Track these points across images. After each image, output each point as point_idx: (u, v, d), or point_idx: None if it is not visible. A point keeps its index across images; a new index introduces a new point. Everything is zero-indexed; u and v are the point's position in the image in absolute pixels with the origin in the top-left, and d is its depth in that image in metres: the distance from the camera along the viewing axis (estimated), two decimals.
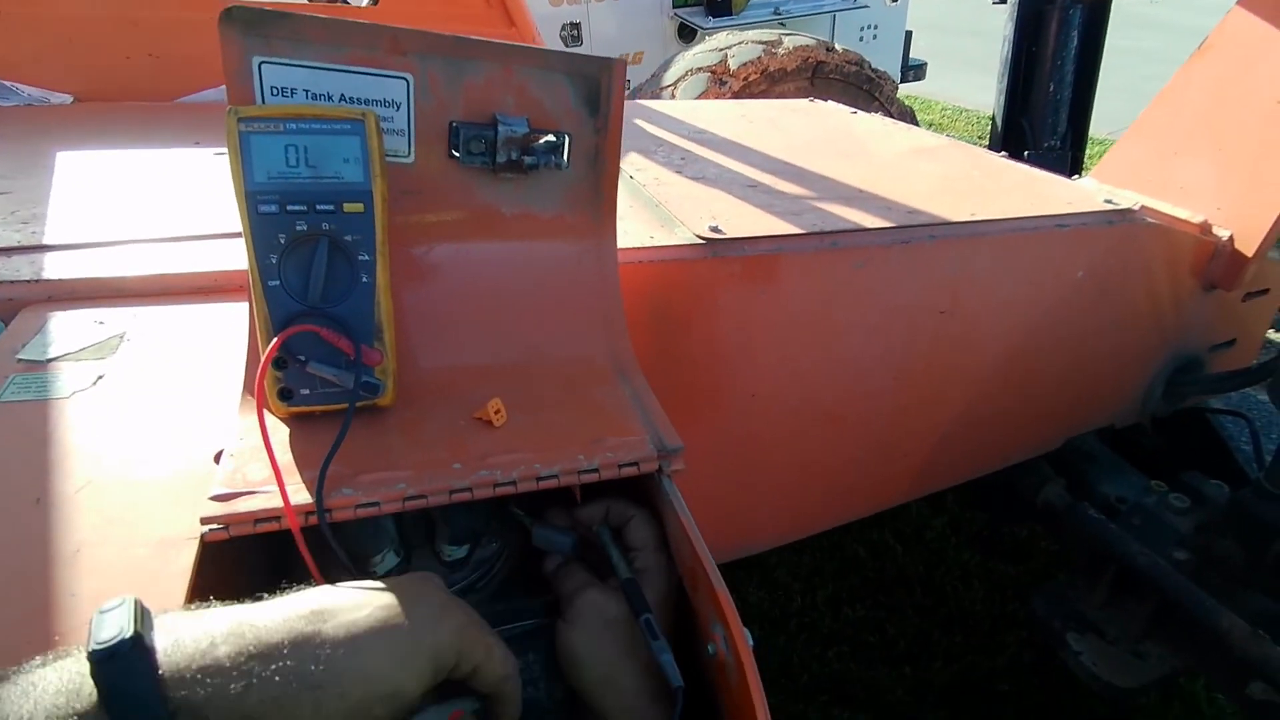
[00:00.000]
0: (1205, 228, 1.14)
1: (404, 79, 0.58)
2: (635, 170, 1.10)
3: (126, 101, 1.31)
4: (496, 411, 0.58)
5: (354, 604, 0.41)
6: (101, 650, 0.33)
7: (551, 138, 0.62)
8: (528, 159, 0.60)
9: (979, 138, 4.62)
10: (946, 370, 1.07)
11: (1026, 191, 1.12)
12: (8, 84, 1.22)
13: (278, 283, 0.54)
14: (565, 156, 0.64)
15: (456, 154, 0.61)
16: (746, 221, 0.93)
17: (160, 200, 0.91)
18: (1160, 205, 1.15)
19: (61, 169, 0.97)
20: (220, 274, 0.74)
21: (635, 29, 3.40)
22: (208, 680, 0.34)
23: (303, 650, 0.37)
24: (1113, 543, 1.23)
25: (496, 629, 0.55)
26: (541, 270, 0.66)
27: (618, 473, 0.55)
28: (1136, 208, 1.09)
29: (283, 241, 0.54)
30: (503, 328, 0.65)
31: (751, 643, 0.48)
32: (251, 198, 0.53)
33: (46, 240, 0.76)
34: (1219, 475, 1.33)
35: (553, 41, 3.31)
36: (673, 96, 2.23)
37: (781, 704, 1.70)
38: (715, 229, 0.88)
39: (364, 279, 0.55)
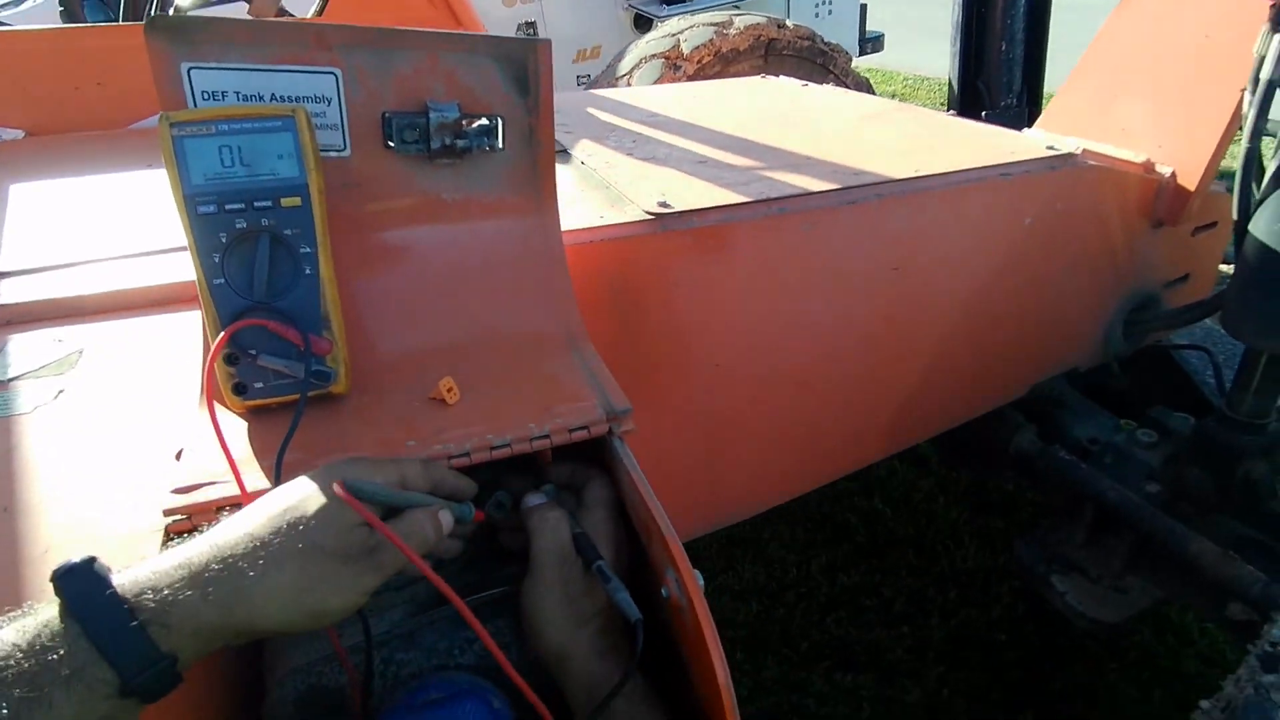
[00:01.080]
0: (1148, 166, 1.17)
1: (332, 73, 0.60)
2: (586, 156, 1.11)
3: (79, 132, 1.32)
4: (449, 390, 0.59)
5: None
6: (61, 568, 0.39)
7: (485, 121, 0.64)
8: (460, 143, 0.62)
9: (941, 104, 4.65)
10: (906, 326, 1.09)
11: (970, 145, 1.15)
12: None
13: (222, 281, 0.56)
14: (500, 139, 0.65)
15: (392, 144, 0.63)
16: (695, 195, 0.94)
17: (115, 221, 0.92)
18: (1103, 148, 1.17)
19: (15, 200, 0.98)
20: (176, 285, 0.75)
21: (591, 23, 3.40)
22: (161, 587, 0.40)
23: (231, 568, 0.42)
24: (1084, 482, 1.26)
25: (467, 598, 0.57)
26: (488, 250, 0.68)
27: (568, 437, 0.56)
28: (1078, 152, 1.11)
29: (224, 240, 0.55)
30: (456, 309, 0.67)
31: (702, 583, 0.50)
32: (190, 200, 0.55)
33: (2, 268, 0.77)
34: (1187, 409, 1.36)
35: None
36: (629, 85, 2.24)
37: (785, 674, 1.73)
38: (664, 204, 0.90)
39: (307, 271, 0.57)
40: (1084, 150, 1.13)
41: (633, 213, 0.90)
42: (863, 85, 2.58)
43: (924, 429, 1.24)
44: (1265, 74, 0.94)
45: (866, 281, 1.02)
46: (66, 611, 0.38)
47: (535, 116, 0.65)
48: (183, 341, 0.68)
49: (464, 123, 0.62)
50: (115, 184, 1.05)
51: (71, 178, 1.07)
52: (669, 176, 1.03)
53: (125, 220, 0.92)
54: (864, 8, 3.97)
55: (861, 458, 1.22)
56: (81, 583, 0.39)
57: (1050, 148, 1.11)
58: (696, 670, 0.51)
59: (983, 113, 2.48)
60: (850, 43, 3.91)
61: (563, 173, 1.07)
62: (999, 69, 2.46)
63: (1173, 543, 1.16)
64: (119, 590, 0.40)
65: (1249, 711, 0.73)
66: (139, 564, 0.42)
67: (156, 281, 0.76)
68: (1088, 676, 1.68)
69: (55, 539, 0.49)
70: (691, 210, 0.90)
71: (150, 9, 2.20)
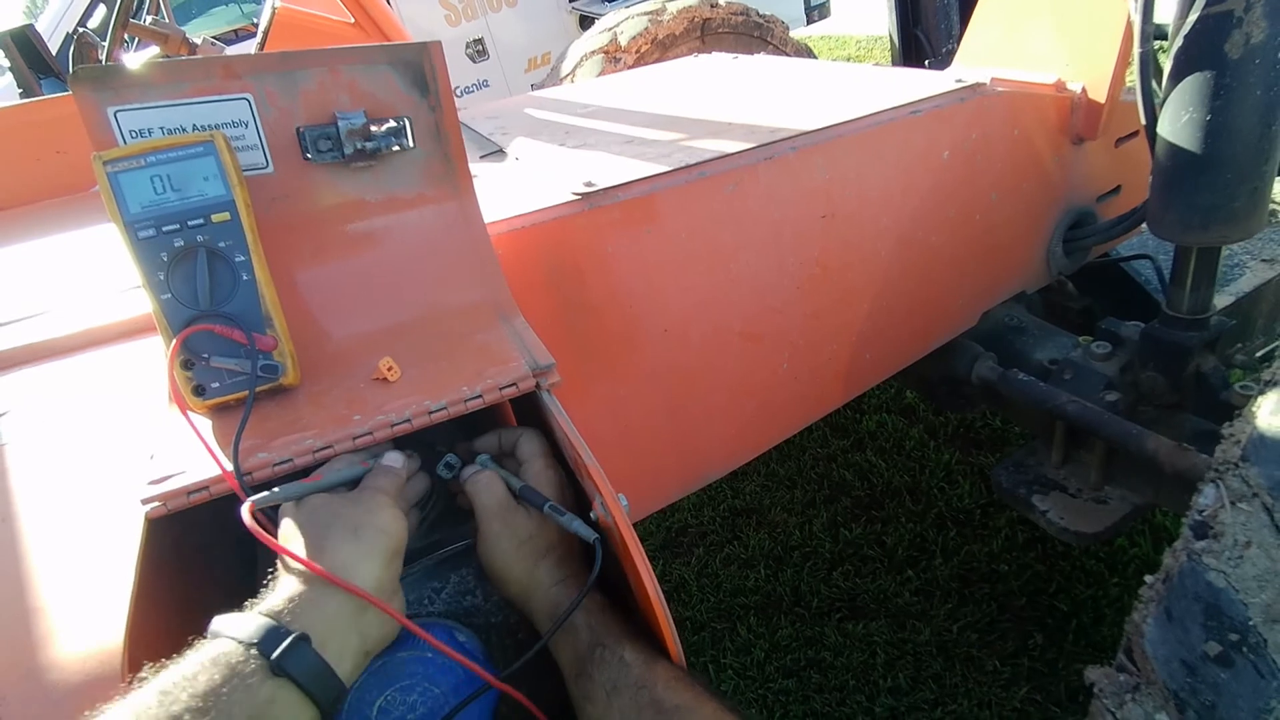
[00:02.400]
0: (1059, 85, 1.21)
1: (244, 99, 0.65)
2: (520, 152, 1.17)
3: (45, 200, 1.39)
4: (389, 369, 0.65)
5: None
6: (280, 650, 0.46)
7: (392, 123, 0.69)
8: (369, 145, 0.67)
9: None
10: (844, 270, 1.14)
11: (881, 89, 1.19)
12: None
13: (170, 295, 0.61)
14: (410, 138, 0.71)
15: (309, 155, 0.68)
16: (619, 172, 1.00)
17: (81, 270, 0.98)
18: (1014, 74, 1.22)
19: None
20: (142, 316, 0.81)
21: (538, 31, 3.47)
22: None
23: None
24: (1042, 398, 1.30)
25: (433, 554, 0.63)
26: (416, 239, 0.74)
27: (499, 395, 0.62)
28: (986, 81, 1.16)
29: (165, 259, 0.61)
30: (393, 296, 0.73)
31: (626, 505, 0.55)
32: (130, 227, 0.61)
33: None
34: (1144, 317, 1.40)
35: (459, 60, 3.38)
36: (571, 84, 2.30)
37: (798, 631, 1.78)
38: (589, 183, 0.95)
39: (244, 277, 0.63)
40: (993, 79, 1.17)
41: (561, 196, 0.95)
42: (803, 51, 2.63)
43: (882, 368, 1.29)
44: None
45: (797, 232, 1.07)
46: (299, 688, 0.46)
47: (439, 112, 0.71)
48: (152, 363, 0.74)
49: (371, 127, 0.68)
50: (78, 239, 1.11)
51: (36, 240, 1.14)
52: (597, 159, 1.08)
53: (91, 268, 0.98)
54: None
55: (827, 403, 1.26)
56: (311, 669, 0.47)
57: (958, 80, 1.16)
58: (635, 585, 0.56)
59: (925, 61, 2.53)
60: (796, 13, 3.96)
61: (497, 170, 1.12)
62: (936, 16, 2.50)
63: (1131, 443, 1.20)
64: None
65: (1184, 578, 0.77)
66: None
67: (124, 316, 0.82)
68: (1091, 593, 1.72)
69: (49, 537, 0.55)
70: (615, 186, 0.95)
71: None
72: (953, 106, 1.12)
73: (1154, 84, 1.07)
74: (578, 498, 0.64)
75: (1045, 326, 1.52)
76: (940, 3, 2.52)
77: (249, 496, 0.53)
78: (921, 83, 1.20)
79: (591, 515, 0.57)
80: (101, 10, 3.23)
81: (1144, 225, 1.35)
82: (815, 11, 4.09)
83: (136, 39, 1.74)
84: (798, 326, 1.14)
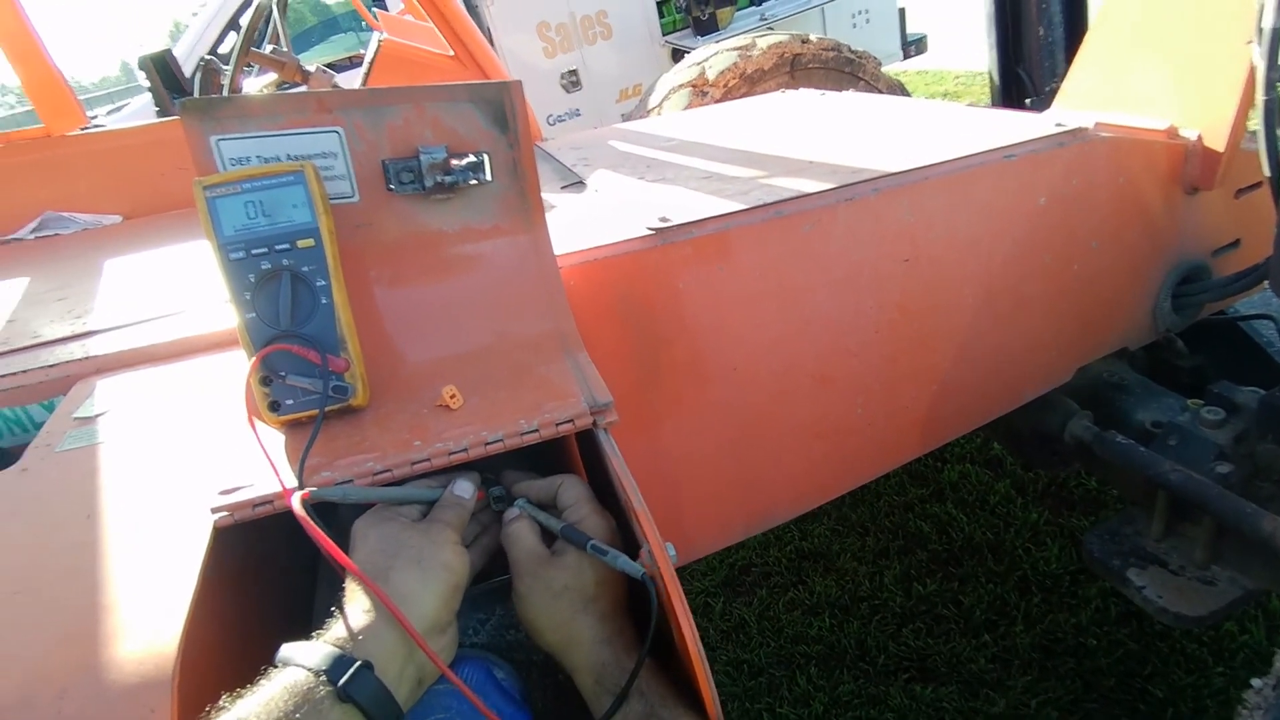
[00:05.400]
0: (1171, 132, 1.13)
1: (336, 132, 0.69)
2: (600, 184, 1.18)
3: (168, 212, 1.50)
4: (452, 396, 0.66)
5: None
6: (345, 677, 0.47)
7: (471, 158, 0.71)
8: (448, 179, 0.70)
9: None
10: (926, 316, 1.09)
11: (974, 131, 1.15)
12: (66, 215, 1.43)
13: (254, 314, 0.65)
14: (488, 173, 0.73)
15: (392, 187, 0.71)
16: (695, 208, 0.99)
17: (188, 281, 1.05)
18: (1122, 118, 1.15)
19: (109, 273, 1.13)
20: (234, 329, 0.86)
21: (631, 64, 3.54)
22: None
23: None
24: (1143, 465, 1.20)
25: (481, 585, 0.63)
26: (488, 270, 0.75)
27: (555, 431, 0.62)
28: (1090, 126, 1.10)
29: (252, 280, 0.64)
30: (462, 324, 0.74)
31: (673, 554, 0.54)
32: (223, 249, 0.64)
33: (93, 327, 0.90)
34: (1262, 382, 1.28)
35: (553, 90, 3.49)
36: (658, 116, 2.32)
37: (861, 688, 1.70)
38: (663, 218, 0.95)
39: (324, 301, 0.65)
40: (1098, 124, 1.11)
41: (636, 230, 0.96)
42: (895, 88, 2.57)
43: (964, 420, 1.22)
44: (1268, 23, 0.91)
45: (876, 275, 1.04)
46: (363, 713, 0.47)
47: (518, 150, 0.73)
48: (236, 374, 0.78)
49: (451, 161, 0.70)
50: (190, 251, 1.19)
51: (155, 249, 1.23)
52: (674, 194, 1.08)
53: (196, 279, 1.05)
54: (903, 11, 3.96)
55: (903, 453, 1.21)
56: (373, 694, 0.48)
57: (1058, 125, 1.10)
58: (676, 639, 0.54)
59: (1026, 100, 2.43)
60: (893, 49, 3.90)
61: (576, 201, 1.14)
62: (1040, 55, 2.41)
63: (1244, 524, 1.09)
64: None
65: None
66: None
67: (221, 327, 0.87)
68: (1191, 681, 1.57)
69: (126, 536, 0.58)
70: (690, 222, 0.95)
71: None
72: (1051, 151, 1.06)
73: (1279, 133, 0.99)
74: (627, 545, 0.63)
75: (1150, 386, 1.41)
76: (1044, 42, 2.42)
77: (305, 502, 0.54)
78: (1017, 126, 1.15)
79: (637, 562, 0.55)
80: (233, 37, 3.52)
81: (1265, 283, 1.24)
82: (912, 46, 4.01)
83: (257, 66, 1.89)
84: (874, 371, 1.10)
